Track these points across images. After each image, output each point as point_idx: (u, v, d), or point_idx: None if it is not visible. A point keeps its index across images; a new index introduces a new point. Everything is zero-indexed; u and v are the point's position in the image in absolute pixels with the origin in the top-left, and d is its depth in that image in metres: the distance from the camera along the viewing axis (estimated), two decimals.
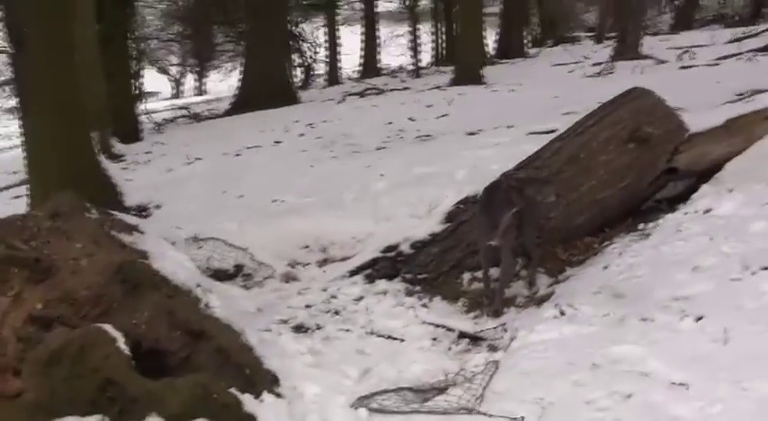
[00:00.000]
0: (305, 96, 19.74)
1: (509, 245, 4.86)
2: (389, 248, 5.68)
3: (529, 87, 14.42)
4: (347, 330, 4.80)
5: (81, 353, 3.45)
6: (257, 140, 12.31)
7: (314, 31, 32.04)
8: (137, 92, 16.97)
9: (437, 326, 4.68)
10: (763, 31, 17.33)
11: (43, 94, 6.75)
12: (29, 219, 4.28)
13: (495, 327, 4.55)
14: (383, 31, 31.21)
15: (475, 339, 4.48)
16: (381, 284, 5.38)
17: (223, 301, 4.46)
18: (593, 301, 4.35)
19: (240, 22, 23.33)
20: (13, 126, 17.16)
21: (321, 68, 30.12)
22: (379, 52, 28.48)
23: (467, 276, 5.27)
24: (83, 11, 11.72)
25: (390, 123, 11.90)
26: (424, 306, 5.05)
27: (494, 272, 5.01)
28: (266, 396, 3.71)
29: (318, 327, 4.87)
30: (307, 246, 6.35)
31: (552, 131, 6.69)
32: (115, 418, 3.38)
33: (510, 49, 24.67)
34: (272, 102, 17.09)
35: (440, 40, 28.80)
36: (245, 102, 18.34)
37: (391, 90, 17.69)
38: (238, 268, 6.09)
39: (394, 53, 32.58)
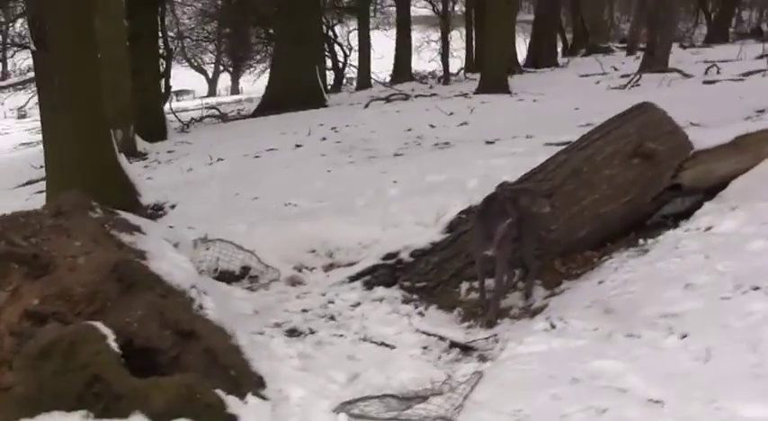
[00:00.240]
0: (334, 99, 19.79)
1: (504, 255, 4.86)
2: (389, 256, 5.71)
3: (552, 97, 14.40)
4: (340, 335, 4.83)
5: (71, 349, 3.49)
6: (278, 143, 12.41)
7: (347, 34, 32.28)
8: (165, 90, 17.12)
9: (429, 334, 4.71)
10: None
11: (63, 91, 6.76)
12: (32, 215, 4.42)
13: (486, 338, 4.56)
14: (417, 35, 31.31)
15: (466, 349, 4.49)
16: (379, 291, 5.42)
17: (222, 303, 4.55)
18: (583, 315, 4.35)
19: (272, 22, 23.41)
20: None
21: (353, 72, 30.32)
22: (415, 57, 28.53)
23: (464, 286, 5.28)
24: (112, 7, 11.95)
25: (410, 130, 11.94)
26: (420, 314, 5.08)
27: (489, 282, 5.01)
28: (251, 398, 3.74)
29: (312, 332, 4.92)
30: (314, 251, 6.40)
31: (567, 143, 6.68)
32: (99, 415, 3.42)
33: (540, 58, 24.65)
34: (299, 104, 17.08)
35: (472, 47, 28.78)
36: (271, 103, 18.35)
37: (417, 96, 17.69)
38: (245, 270, 6.14)
39: (427, 58, 32.69)
